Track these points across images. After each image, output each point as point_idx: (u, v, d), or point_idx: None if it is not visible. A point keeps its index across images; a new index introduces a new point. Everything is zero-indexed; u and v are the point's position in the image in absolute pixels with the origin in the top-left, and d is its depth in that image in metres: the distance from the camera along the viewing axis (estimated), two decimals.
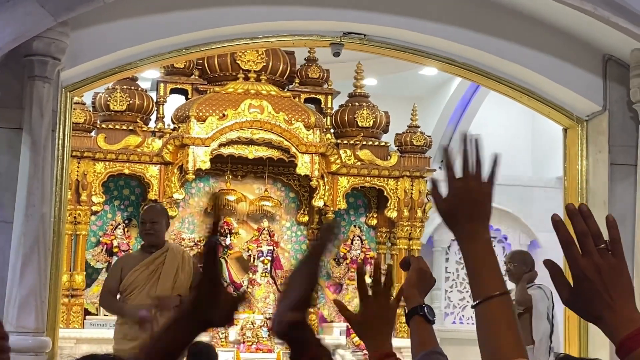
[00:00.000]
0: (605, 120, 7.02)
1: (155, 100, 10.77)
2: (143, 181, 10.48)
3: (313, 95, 11.24)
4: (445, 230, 11.64)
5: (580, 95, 7.12)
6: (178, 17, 6.68)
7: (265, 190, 10.94)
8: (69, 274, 9.85)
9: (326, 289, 10.93)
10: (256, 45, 7.92)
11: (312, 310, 1.95)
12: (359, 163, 10.85)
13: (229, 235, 10.63)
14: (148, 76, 11.05)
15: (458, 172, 1.65)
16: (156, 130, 10.60)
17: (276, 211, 11.07)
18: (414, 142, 10.96)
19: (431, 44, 7.13)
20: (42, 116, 6.07)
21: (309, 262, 1.64)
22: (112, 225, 10.43)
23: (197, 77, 11.00)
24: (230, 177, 10.85)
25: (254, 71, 10.77)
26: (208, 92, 10.72)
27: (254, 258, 10.72)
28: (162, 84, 10.87)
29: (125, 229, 10.41)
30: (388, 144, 11.10)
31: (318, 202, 10.60)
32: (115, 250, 10.19)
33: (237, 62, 10.82)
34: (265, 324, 10.10)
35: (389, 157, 10.95)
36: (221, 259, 10.08)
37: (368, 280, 2.26)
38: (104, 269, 10.01)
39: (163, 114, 10.79)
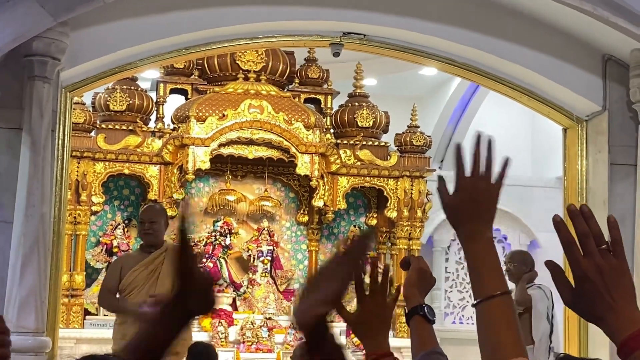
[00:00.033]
0: (605, 120, 7.02)
1: (155, 101, 10.77)
2: (143, 181, 10.48)
3: (313, 96, 11.24)
4: (445, 230, 11.67)
5: (580, 95, 7.12)
6: (178, 17, 6.68)
7: (265, 190, 10.95)
8: (68, 274, 9.85)
9: None
10: (256, 46, 7.92)
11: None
12: (358, 163, 10.85)
13: (228, 235, 10.63)
14: (148, 76, 11.05)
15: (468, 171, 1.65)
16: (156, 130, 10.60)
17: (276, 211, 11.07)
18: (414, 142, 10.96)
19: (431, 44, 7.13)
20: (42, 116, 6.07)
21: (345, 263, 1.63)
22: (112, 225, 10.43)
23: (197, 77, 11.00)
24: (230, 177, 10.85)
25: (254, 71, 10.77)
26: (208, 92, 10.72)
27: (254, 258, 10.72)
28: (162, 84, 10.87)
29: (125, 229, 10.41)
30: (388, 144, 11.09)
31: (318, 202, 10.60)
32: (115, 250, 10.20)
33: (237, 62, 10.82)
34: (265, 324, 10.10)
35: (388, 157, 10.95)
36: (220, 259, 10.01)
37: (367, 280, 2.26)
38: (104, 269, 10.00)
39: (163, 114, 10.79)
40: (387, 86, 12.66)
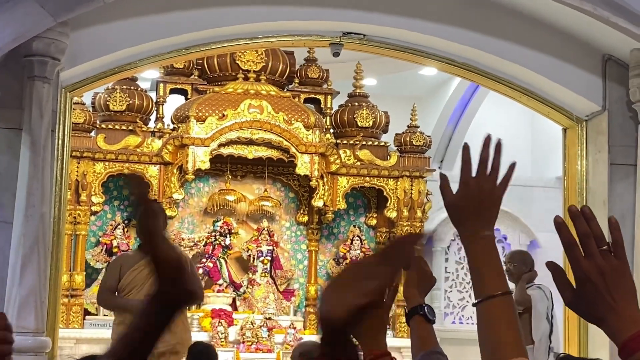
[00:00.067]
0: (604, 120, 7.02)
1: (154, 101, 10.77)
2: (143, 181, 10.48)
3: (313, 95, 11.24)
4: (445, 230, 11.66)
5: (580, 95, 7.12)
6: (178, 17, 6.68)
7: (265, 190, 10.95)
8: (68, 274, 9.85)
9: None
10: (256, 46, 7.92)
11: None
12: (358, 163, 10.85)
13: (228, 235, 10.64)
14: (148, 76, 11.05)
15: (474, 171, 1.66)
16: (156, 130, 10.60)
17: (276, 211, 11.07)
18: (414, 142, 10.96)
19: (431, 44, 7.13)
20: (42, 116, 6.07)
21: (389, 262, 1.59)
22: (111, 225, 10.43)
23: (196, 77, 11.00)
24: (230, 177, 10.85)
25: (254, 71, 10.77)
26: (208, 92, 10.72)
27: (254, 258, 10.72)
28: (161, 84, 10.87)
29: (125, 229, 10.41)
30: (387, 144, 11.10)
31: (318, 202, 10.60)
32: (115, 250, 10.20)
33: (237, 62, 10.82)
34: (265, 324, 10.10)
35: (388, 157, 10.95)
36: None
37: None
38: (104, 269, 10.00)
39: (163, 114, 10.80)
40: (387, 86, 12.65)
